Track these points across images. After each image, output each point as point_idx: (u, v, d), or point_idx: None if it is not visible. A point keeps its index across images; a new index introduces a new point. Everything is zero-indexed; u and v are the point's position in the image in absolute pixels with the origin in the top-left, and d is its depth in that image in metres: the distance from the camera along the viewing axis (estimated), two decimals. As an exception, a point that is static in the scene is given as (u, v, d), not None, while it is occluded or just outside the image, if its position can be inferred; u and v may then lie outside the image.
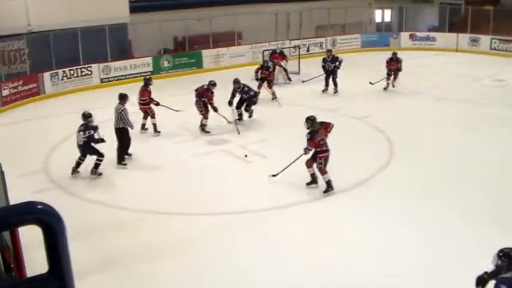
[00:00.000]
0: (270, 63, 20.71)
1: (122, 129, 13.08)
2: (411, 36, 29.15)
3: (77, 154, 12.36)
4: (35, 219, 2.11)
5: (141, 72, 22.57)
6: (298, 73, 22.34)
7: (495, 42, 26.81)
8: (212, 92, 15.30)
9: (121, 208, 10.92)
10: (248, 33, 26.26)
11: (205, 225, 10.30)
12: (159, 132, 15.31)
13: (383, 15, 33.01)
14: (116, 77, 22.06)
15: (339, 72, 19.51)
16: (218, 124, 15.59)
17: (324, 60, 19.79)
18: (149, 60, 23.17)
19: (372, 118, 16.31)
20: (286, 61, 21.91)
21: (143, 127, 15.46)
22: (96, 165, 12.35)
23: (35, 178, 12.30)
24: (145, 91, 15.35)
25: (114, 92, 20.35)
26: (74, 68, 20.97)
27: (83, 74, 21.28)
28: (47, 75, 20.24)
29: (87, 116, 12.17)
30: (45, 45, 20.11)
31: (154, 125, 15.31)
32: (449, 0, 30.20)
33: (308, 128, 11.18)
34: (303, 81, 20.67)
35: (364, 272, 8.58)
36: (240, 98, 16.33)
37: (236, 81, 16.19)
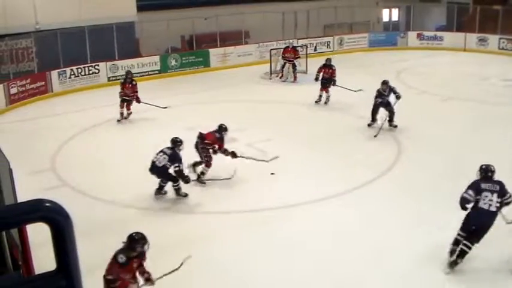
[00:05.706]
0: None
1: None
2: (419, 35, 29.03)
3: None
4: (42, 217, 2.10)
5: (148, 71, 22.69)
6: (305, 72, 22.29)
7: (503, 42, 26.63)
8: (223, 139, 12.09)
9: (127, 206, 10.96)
10: (255, 32, 26.25)
11: (212, 223, 10.29)
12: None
13: (390, 14, 32.94)
14: (123, 75, 22.02)
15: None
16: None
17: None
18: (157, 58, 23.20)
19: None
20: (299, 57, 21.94)
21: None
22: (177, 191, 11.23)
23: (43, 176, 12.30)
24: None
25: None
26: (81, 66, 21.03)
27: (91, 72, 21.34)
28: (54, 73, 20.30)
29: (177, 143, 11.00)
30: (53, 44, 20.17)
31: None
32: (457, 0, 30.08)
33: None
34: None
35: (375, 269, 8.57)
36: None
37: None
